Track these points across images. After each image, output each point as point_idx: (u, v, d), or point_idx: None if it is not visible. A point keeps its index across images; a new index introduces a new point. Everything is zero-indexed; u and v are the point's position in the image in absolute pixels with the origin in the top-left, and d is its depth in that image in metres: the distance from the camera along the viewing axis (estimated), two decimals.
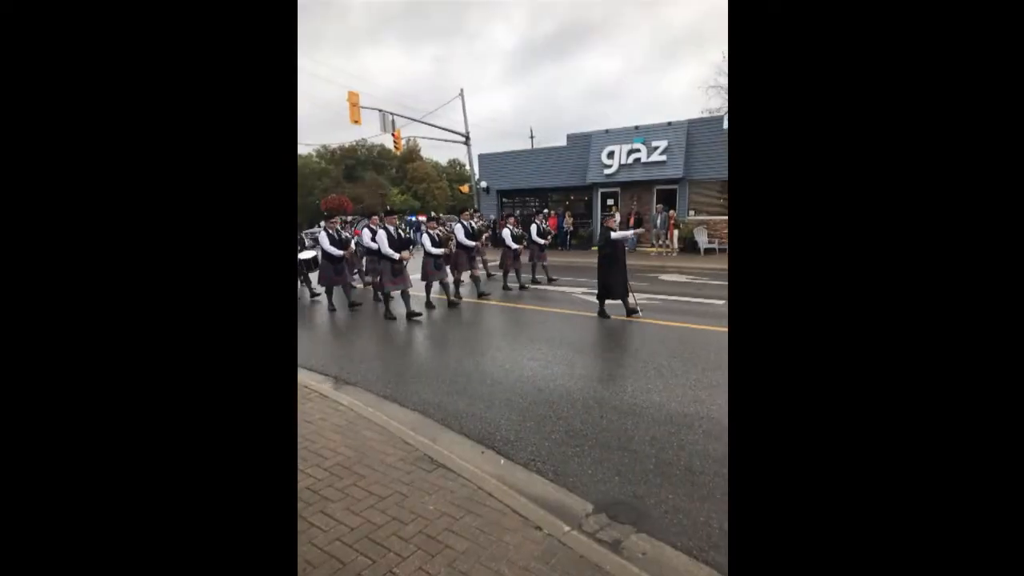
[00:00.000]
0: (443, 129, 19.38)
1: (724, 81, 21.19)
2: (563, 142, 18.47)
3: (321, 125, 59.61)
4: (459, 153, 59.89)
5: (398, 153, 28.96)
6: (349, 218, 8.92)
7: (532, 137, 35.09)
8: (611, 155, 16.68)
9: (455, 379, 4.54)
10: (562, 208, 18.43)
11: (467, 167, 22.31)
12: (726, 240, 15.11)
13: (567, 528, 2.29)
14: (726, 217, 15.63)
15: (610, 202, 17.59)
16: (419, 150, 50.01)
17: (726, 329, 5.99)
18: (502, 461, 3.05)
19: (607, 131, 17.04)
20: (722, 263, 12.22)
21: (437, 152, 69.99)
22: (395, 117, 16.80)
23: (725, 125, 15.77)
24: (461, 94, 19.69)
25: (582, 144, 17.60)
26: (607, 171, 16.80)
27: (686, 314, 6.96)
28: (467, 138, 19.96)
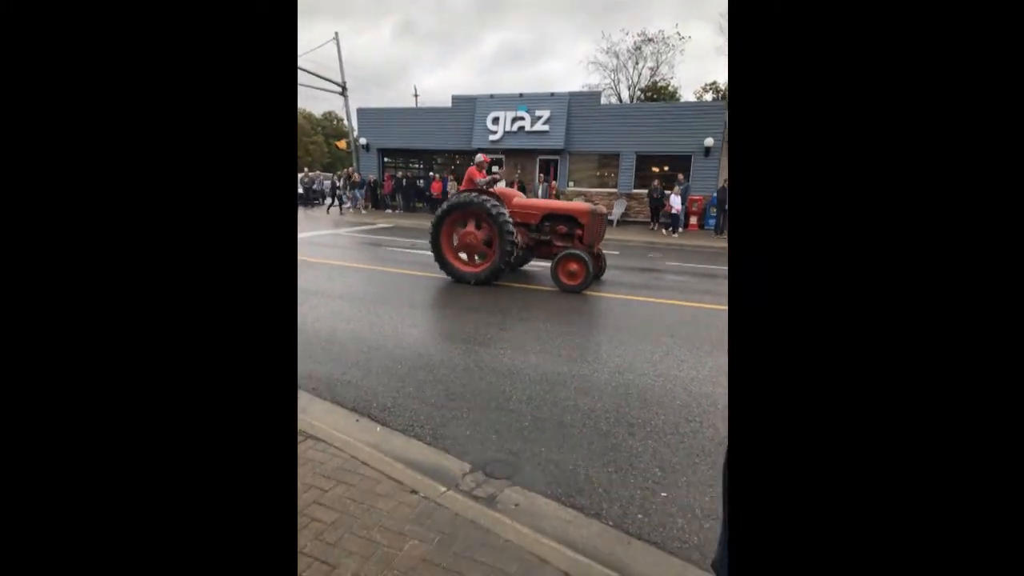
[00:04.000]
0: (315, 75, 17.59)
1: (604, 59, 22.08)
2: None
3: None
4: (335, 105, 55.16)
5: None
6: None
7: (416, 96, 33.53)
8: (496, 121, 16.64)
9: (328, 347, 4.27)
10: (447, 172, 18.04)
11: (345, 121, 20.65)
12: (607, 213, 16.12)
13: (443, 489, 2.30)
14: (603, 190, 16.63)
15: (495, 168, 17.64)
16: None
17: (600, 294, 6.44)
18: (378, 428, 2.96)
19: (492, 96, 16.89)
20: None
21: (312, 103, 63.32)
22: None
23: (602, 100, 16.54)
24: (336, 38, 17.95)
25: (467, 107, 17.26)
26: (492, 137, 16.76)
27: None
28: (344, 88, 18.38)
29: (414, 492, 2.25)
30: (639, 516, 2.24)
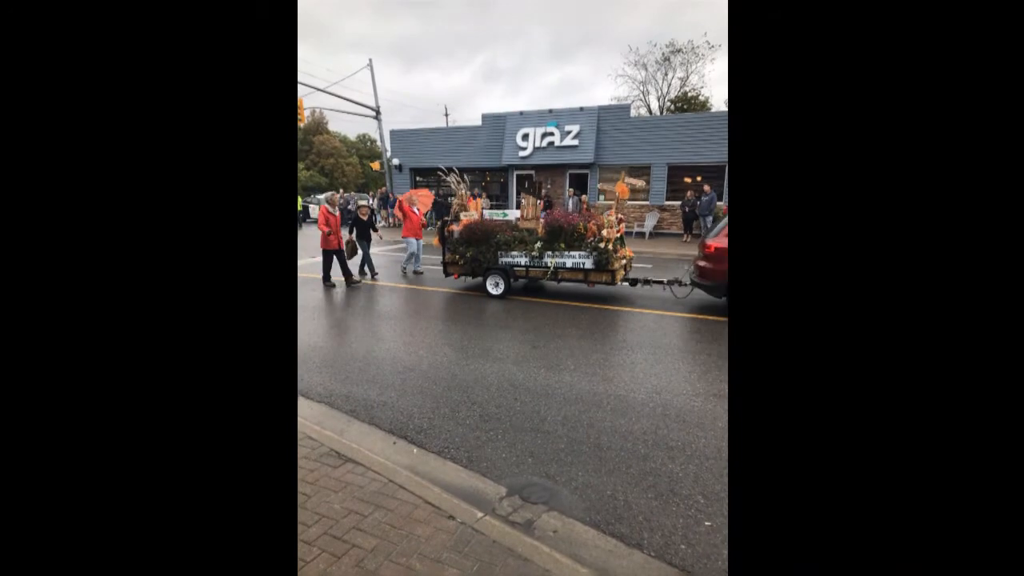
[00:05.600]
0: (351, 101, 18.27)
1: (631, 72, 22.06)
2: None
3: None
4: (369, 128, 56.93)
5: (301, 124, 26.85)
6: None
7: (447, 115, 34.28)
8: (526, 137, 16.77)
9: (364, 368, 4.34)
10: (478, 189, 18.24)
11: (378, 143, 21.31)
12: (634, 225, 15.95)
13: (480, 514, 2.29)
14: (635, 202, 16.48)
15: (527, 184, 17.74)
16: (326, 123, 46.85)
17: (634, 309, 6.33)
18: (415, 450, 2.98)
19: (522, 113, 17.07)
20: (630, 246, 12.86)
21: (346, 126, 65.44)
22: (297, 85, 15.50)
23: (632, 113, 16.46)
24: (370, 64, 18.63)
25: (497, 125, 17.48)
26: (522, 153, 16.88)
27: (596, 297, 7.25)
28: (377, 112, 19.00)
29: (451, 517, 2.25)
30: (682, 547, 2.16)
